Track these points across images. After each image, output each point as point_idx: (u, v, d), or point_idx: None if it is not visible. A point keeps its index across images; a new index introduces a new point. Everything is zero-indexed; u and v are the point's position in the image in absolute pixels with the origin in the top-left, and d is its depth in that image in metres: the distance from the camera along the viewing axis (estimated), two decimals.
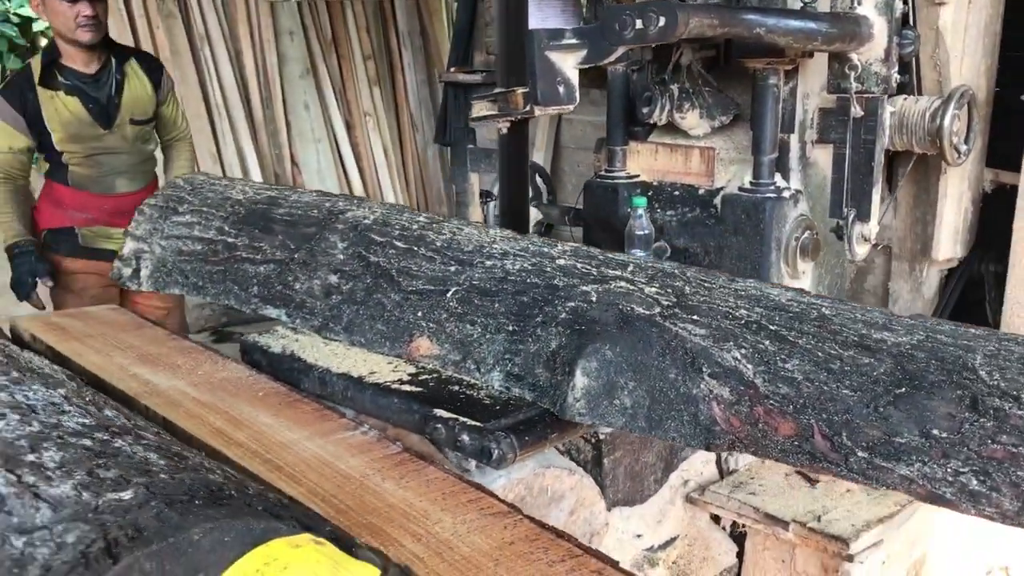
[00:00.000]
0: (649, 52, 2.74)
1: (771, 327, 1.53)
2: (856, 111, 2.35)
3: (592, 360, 1.58)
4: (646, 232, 2.56)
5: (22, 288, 2.80)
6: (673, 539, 2.24)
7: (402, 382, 1.96)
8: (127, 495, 0.69)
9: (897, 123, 2.53)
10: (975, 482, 1.32)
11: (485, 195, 2.56)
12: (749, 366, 1.50)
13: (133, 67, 3.17)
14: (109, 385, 2.09)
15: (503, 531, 1.36)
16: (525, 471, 1.86)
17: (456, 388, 1.92)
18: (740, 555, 2.30)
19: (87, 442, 0.85)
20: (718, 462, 2.38)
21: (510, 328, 1.72)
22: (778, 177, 2.54)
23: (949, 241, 2.89)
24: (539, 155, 4.58)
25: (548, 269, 1.79)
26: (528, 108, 2.14)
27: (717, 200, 2.63)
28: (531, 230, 3.28)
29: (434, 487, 1.51)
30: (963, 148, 2.57)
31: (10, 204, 3.01)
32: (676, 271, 1.76)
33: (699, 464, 2.34)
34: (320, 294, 2.00)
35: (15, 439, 0.84)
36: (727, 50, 2.66)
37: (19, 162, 3.05)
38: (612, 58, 2.10)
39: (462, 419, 1.76)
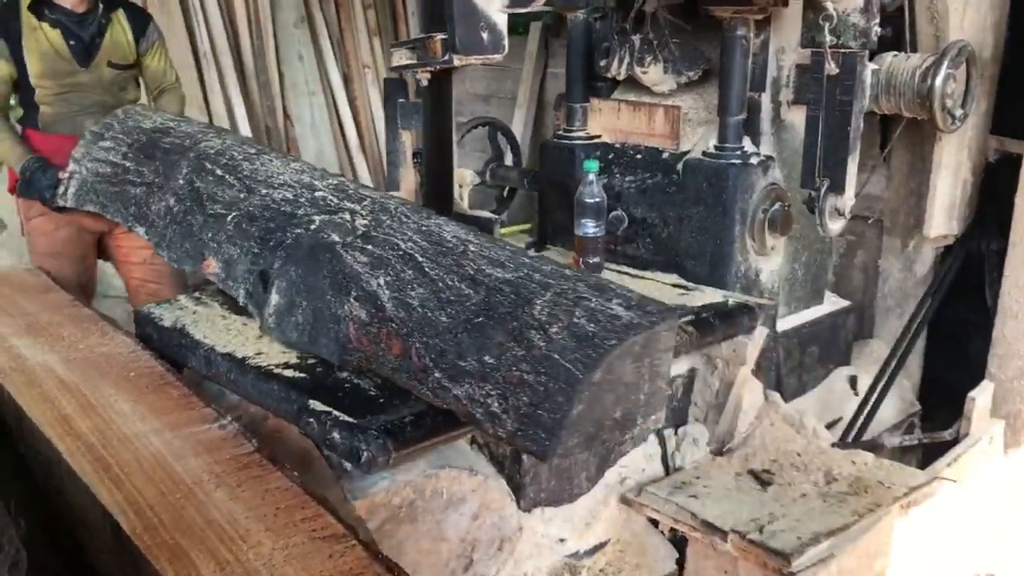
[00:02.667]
0: None
1: (419, 258, 1.66)
2: (831, 68, 2.07)
3: (283, 280, 1.78)
4: (596, 200, 2.31)
5: (46, 200, 2.76)
6: (603, 544, 2.02)
7: (287, 365, 1.74)
8: None
9: (884, 83, 2.24)
10: (496, 404, 1.43)
11: (418, 155, 2.32)
12: (386, 292, 1.63)
13: (119, 16, 3.07)
14: None
15: (325, 561, 1.15)
16: (413, 472, 1.64)
17: (343, 375, 1.70)
18: (681, 562, 2.08)
19: None
20: (663, 458, 2.15)
21: (256, 251, 1.86)
22: (747, 141, 2.27)
23: (944, 216, 2.60)
24: (520, 112, 4.32)
25: (303, 199, 1.91)
26: (447, 57, 1.89)
27: (680, 165, 2.37)
28: (493, 196, 3.04)
29: (270, 499, 1.30)
30: (958, 113, 2.27)
31: (5, 129, 2.96)
32: (394, 208, 1.83)
33: (641, 460, 2.11)
34: (162, 215, 2.10)
35: None
36: None
37: (4, 90, 2.97)
38: (540, 2, 1.84)
39: (336, 413, 1.55)
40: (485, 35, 1.87)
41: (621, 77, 2.43)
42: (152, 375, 1.77)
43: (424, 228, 1.75)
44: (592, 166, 2.31)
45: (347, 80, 6.27)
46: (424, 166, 2.08)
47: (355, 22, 6.28)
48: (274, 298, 1.77)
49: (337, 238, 1.75)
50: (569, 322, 1.44)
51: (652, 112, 2.44)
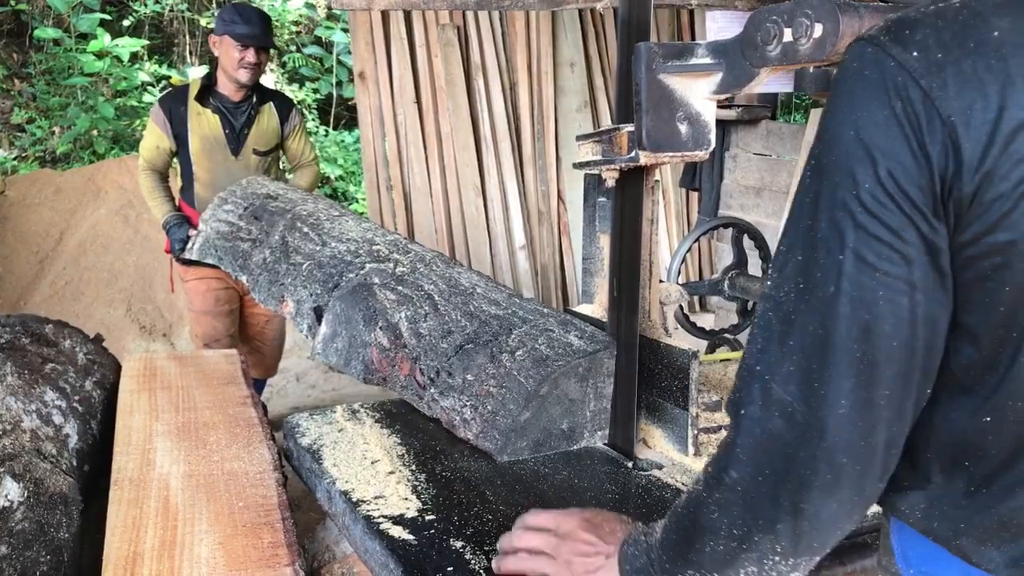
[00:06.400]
0: None
1: (436, 298, 1.96)
2: None
3: (330, 314, 2.05)
4: None
5: (176, 252, 3.40)
6: None
7: (400, 520, 1.43)
8: None
9: None
10: (468, 412, 1.72)
11: None
12: (405, 324, 1.91)
13: (269, 107, 3.61)
14: (118, 446, 1.80)
15: None
16: None
17: (459, 545, 1.36)
18: None
19: None
20: None
21: (318, 291, 2.14)
22: None
23: None
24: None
25: (361, 251, 2.22)
26: (632, 153, 1.53)
27: None
28: (735, 309, 2.59)
29: None
30: None
31: (159, 190, 3.52)
32: (430, 259, 2.19)
33: None
34: (259, 265, 2.42)
35: None
36: None
37: (162, 160, 3.55)
38: (755, 86, 1.43)
39: None
40: (684, 128, 1.49)
41: None
42: (260, 508, 1.54)
43: (447, 275, 2.08)
44: None
45: None
46: (609, 278, 1.72)
47: None
48: (323, 329, 2.03)
49: (377, 280, 2.04)
50: (532, 347, 1.73)
51: None
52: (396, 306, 1.94)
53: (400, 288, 1.99)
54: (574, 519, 1.11)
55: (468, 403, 1.71)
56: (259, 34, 3.41)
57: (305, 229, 2.37)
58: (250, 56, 3.39)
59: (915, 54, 0.77)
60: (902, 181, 0.77)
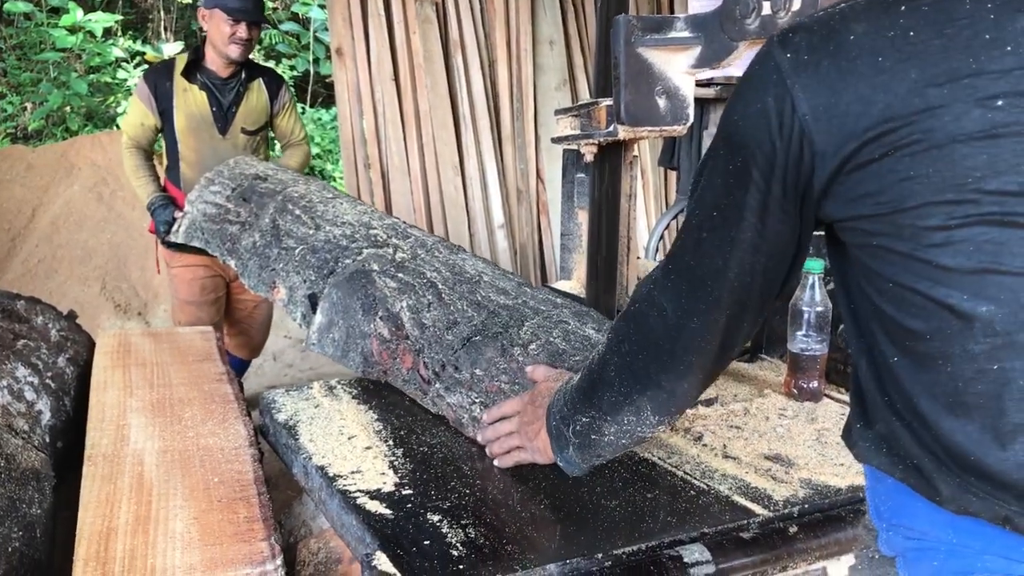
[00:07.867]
0: None
1: (439, 286, 1.85)
2: None
3: (326, 302, 1.94)
4: (818, 310, 1.82)
5: (162, 233, 3.32)
6: None
7: (376, 495, 1.43)
8: None
9: None
10: (478, 410, 1.60)
11: None
12: (407, 313, 1.80)
13: (258, 83, 3.49)
14: (92, 422, 1.79)
15: None
16: None
17: (435, 519, 1.36)
18: None
19: None
20: None
21: (313, 278, 2.04)
22: None
23: None
24: None
25: (358, 236, 2.11)
26: (611, 127, 1.52)
27: None
28: None
29: None
30: None
31: (144, 168, 3.41)
32: (431, 244, 2.08)
33: None
34: (248, 249, 2.30)
35: None
36: None
37: (147, 138, 3.42)
38: (734, 60, 1.42)
39: None
40: (662, 102, 1.48)
41: None
42: (235, 484, 1.53)
43: (450, 261, 1.98)
44: (815, 266, 1.83)
45: None
46: (587, 255, 1.71)
47: None
48: (318, 317, 1.94)
49: (376, 267, 1.94)
50: (546, 340, 1.63)
51: None
52: (397, 294, 1.83)
53: (401, 275, 1.89)
54: (523, 399, 1.47)
55: (477, 400, 1.60)
56: (251, 8, 3.30)
57: (297, 212, 2.27)
58: (241, 31, 3.27)
59: (789, 56, 0.88)
60: (763, 166, 0.91)
